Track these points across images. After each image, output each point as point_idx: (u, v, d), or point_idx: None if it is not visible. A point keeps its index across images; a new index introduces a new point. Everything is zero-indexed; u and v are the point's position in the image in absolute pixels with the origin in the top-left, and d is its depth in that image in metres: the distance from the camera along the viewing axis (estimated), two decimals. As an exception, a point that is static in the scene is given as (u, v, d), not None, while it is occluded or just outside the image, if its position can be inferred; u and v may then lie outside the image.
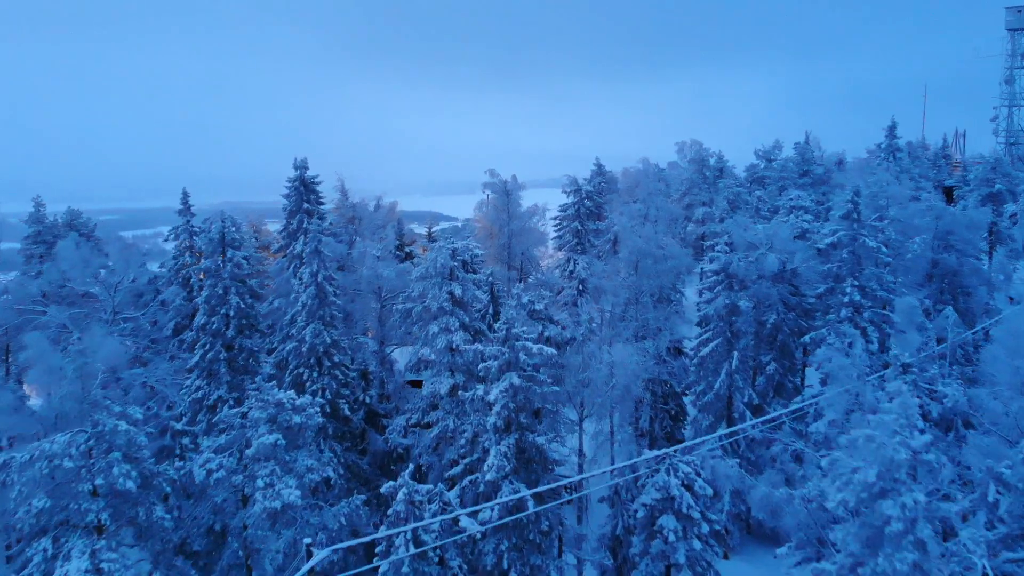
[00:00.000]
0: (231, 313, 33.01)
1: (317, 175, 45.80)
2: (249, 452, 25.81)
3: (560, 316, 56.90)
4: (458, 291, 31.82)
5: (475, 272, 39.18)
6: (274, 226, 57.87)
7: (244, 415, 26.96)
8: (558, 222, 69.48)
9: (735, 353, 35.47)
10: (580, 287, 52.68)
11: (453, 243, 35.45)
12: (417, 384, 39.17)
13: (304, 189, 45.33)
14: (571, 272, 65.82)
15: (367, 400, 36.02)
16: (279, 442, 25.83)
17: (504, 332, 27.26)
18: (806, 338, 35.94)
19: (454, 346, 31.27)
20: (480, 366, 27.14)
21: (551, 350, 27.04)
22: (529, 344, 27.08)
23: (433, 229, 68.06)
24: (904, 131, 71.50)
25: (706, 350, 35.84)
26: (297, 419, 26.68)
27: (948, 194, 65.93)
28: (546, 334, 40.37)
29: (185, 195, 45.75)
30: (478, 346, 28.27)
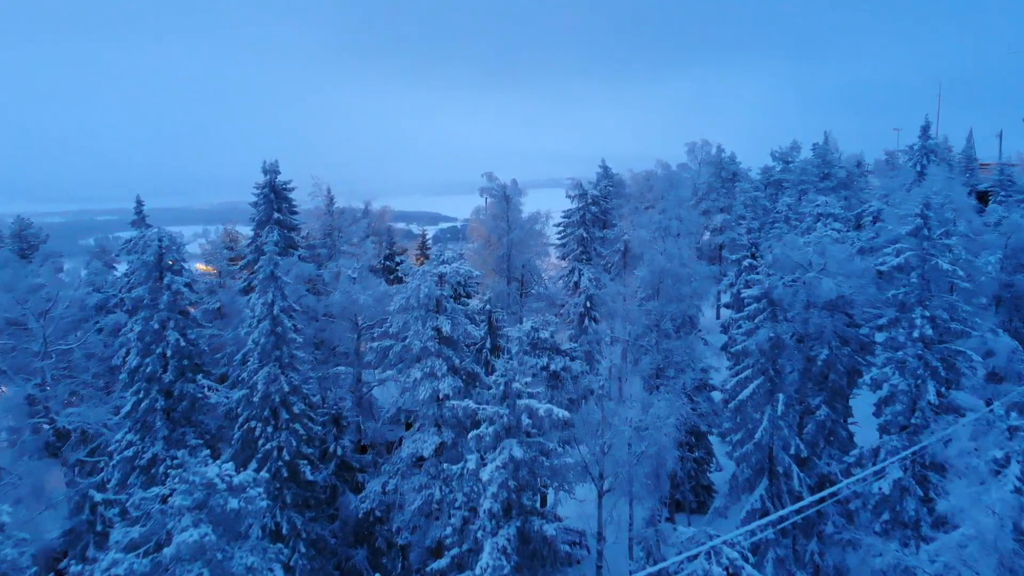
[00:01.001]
0: (169, 352, 26.14)
1: (290, 180, 39.04)
2: (167, 552, 19.05)
3: (565, 338, 50.27)
4: (446, 327, 24.98)
5: (469, 297, 32.38)
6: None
7: (164, 499, 20.19)
8: (561, 229, 62.63)
9: (780, 396, 28.59)
10: (588, 304, 45.72)
11: (443, 260, 28.65)
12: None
13: (275, 196, 38.58)
14: (576, 283, 58.99)
15: (339, 451, 29.20)
16: (207, 537, 19.04)
17: (503, 387, 20.49)
18: (866, 378, 29.11)
19: (441, 395, 24.43)
20: (471, 435, 20.32)
21: (562, 412, 20.21)
22: (535, 404, 20.29)
23: (427, 238, 61.12)
24: (914, 132, 64.98)
25: (745, 392, 28.96)
26: (234, 503, 19.83)
27: (983, 200, 58.98)
28: (552, 367, 33.63)
29: (139, 203, 38.95)
30: (470, 403, 21.48)
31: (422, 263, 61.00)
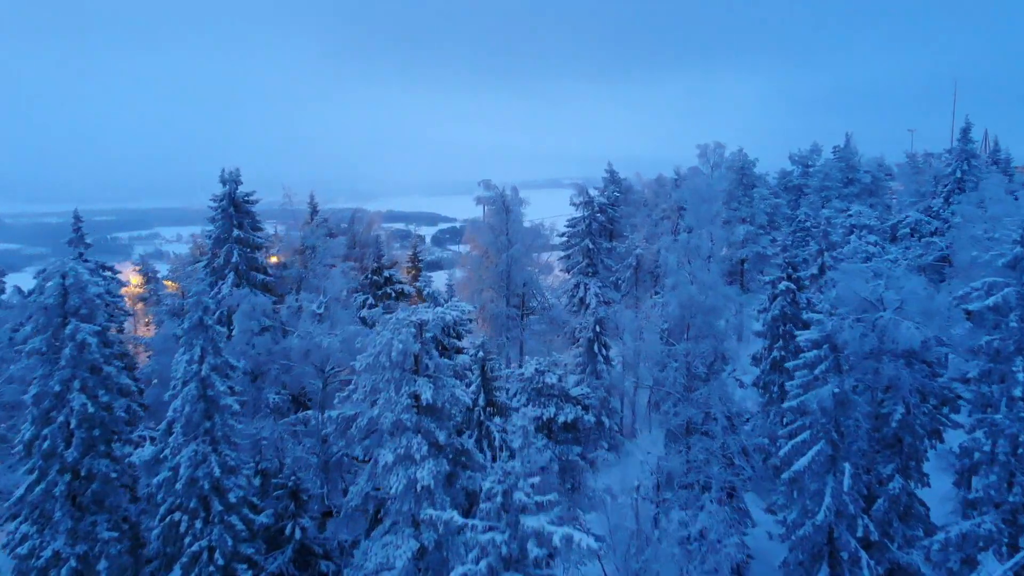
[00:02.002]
0: (73, 422, 19.77)
1: (252, 192, 32.57)
2: None
3: (570, 358, 43.93)
4: (427, 392, 18.57)
5: (460, 337, 26.00)
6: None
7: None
8: (565, 239, 56.25)
9: (846, 466, 22.24)
10: (597, 328, 39.27)
11: (430, 298, 22.34)
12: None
13: (235, 211, 32.11)
14: (581, 299, 52.73)
15: (297, 534, 22.83)
16: None
17: (500, 498, 14.15)
18: (953, 446, 22.83)
19: (420, 486, 18.04)
20: (456, 573, 13.97)
21: (588, 540, 13.83)
22: (547, 527, 13.94)
23: (419, 249, 54.61)
24: (924, 135, 58.52)
25: (802, 461, 22.55)
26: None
27: (1023, 207, 52.43)
28: (560, 418, 27.39)
29: (76, 218, 32.43)
30: (455, 516, 15.08)
31: (415, 276, 54.66)
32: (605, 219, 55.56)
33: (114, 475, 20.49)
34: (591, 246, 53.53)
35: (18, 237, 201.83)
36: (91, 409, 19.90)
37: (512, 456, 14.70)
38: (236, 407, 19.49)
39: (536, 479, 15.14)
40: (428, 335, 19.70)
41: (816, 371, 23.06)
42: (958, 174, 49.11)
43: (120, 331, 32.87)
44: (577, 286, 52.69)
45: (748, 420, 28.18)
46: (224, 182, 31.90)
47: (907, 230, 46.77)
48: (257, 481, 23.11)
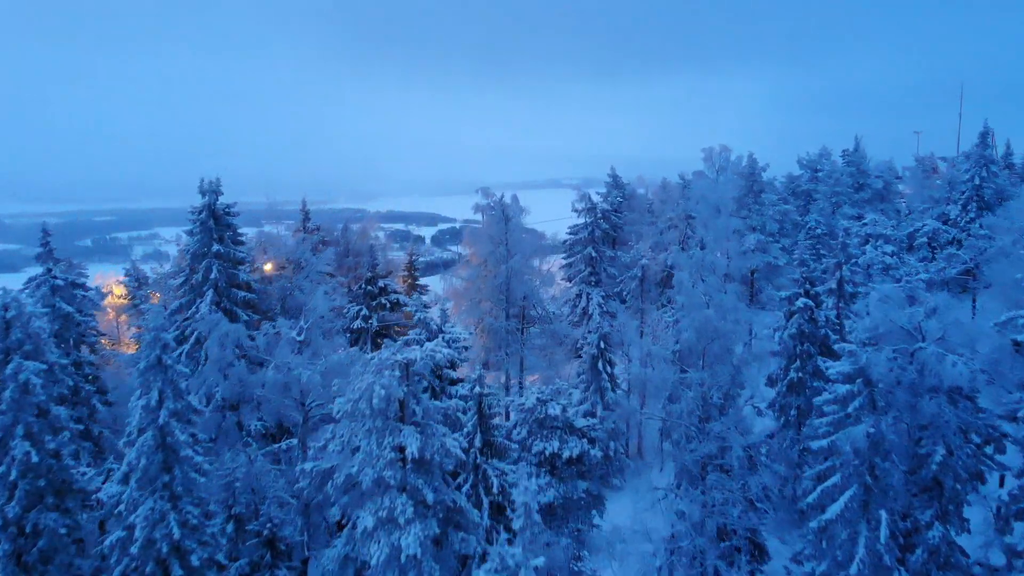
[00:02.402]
0: (15, 473, 17.29)
1: (234, 204, 30.07)
2: None
3: (572, 372, 41.48)
4: (414, 444, 16.07)
5: (454, 367, 23.47)
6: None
7: None
8: (567, 246, 53.74)
9: (883, 514, 19.77)
10: (602, 345, 36.73)
11: (422, 324, 19.88)
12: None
13: (215, 224, 29.61)
14: (584, 309, 50.30)
15: (275, 589, 20.37)
16: None
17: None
18: (1003, 494, 20.35)
19: (406, 556, 15.51)
20: None
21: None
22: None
23: (415, 258, 52.05)
24: (928, 137, 56.05)
25: (834, 508, 20.05)
26: None
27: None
28: (565, 453, 24.95)
29: (45, 232, 29.91)
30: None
31: (410, 285, 52.15)
32: (608, 226, 53.08)
33: (63, 530, 18.00)
34: (594, 254, 51.04)
35: (18, 237, 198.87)
36: (35, 458, 17.41)
37: (512, 539, 12.23)
38: (199, 459, 17.00)
39: (540, 560, 12.66)
40: (416, 376, 17.20)
41: (849, 408, 20.57)
42: (976, 180, 46.59)
43: (93, 351, 30.32)
44: (579, 295, 50.22)
45: (764, 442, 25.69)
46: (203, 192, 29.42)
47: (924, 239, 44.26)
48: (230, 528, 20.71)
